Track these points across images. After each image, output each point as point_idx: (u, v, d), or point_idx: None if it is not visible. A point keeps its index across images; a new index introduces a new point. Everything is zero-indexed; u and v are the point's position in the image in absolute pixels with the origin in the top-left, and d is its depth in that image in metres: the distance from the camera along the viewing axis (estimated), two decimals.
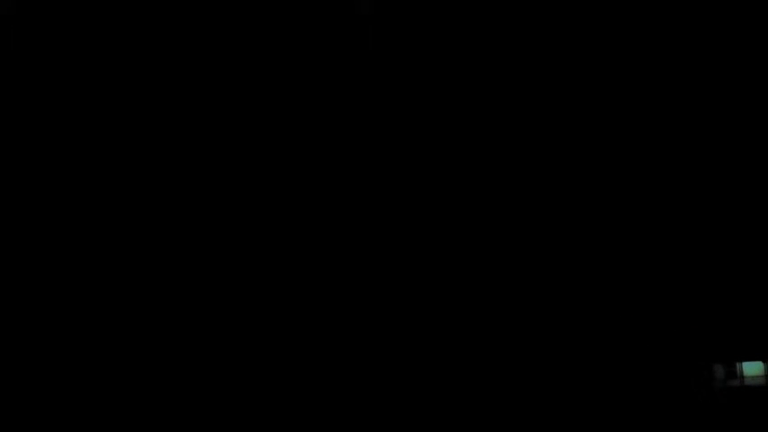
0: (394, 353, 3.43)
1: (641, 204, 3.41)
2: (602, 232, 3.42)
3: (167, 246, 3.55)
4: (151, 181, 3.64)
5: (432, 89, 3.61)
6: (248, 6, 3.68)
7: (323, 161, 3.62)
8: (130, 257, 3.54)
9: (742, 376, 3.38)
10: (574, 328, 3.38)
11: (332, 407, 3.47)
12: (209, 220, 3.57)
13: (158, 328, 3.50)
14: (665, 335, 3.35)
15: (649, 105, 3.49)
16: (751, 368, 3.39)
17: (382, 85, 3.64)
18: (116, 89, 3.72)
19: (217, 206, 3.61)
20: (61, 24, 3.74)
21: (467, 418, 3.39)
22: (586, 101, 3.53)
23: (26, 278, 3.56)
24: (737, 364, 3.40)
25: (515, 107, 3.53)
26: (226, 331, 3.50)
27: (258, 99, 3.68)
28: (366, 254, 3.53)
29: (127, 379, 3.48)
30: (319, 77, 3.65)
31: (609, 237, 3.42)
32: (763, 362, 3.33)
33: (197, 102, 3.66)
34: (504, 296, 3.48)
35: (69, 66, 3.72)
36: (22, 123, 3.73)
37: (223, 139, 3.67)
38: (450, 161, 3.57)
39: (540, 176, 3.52)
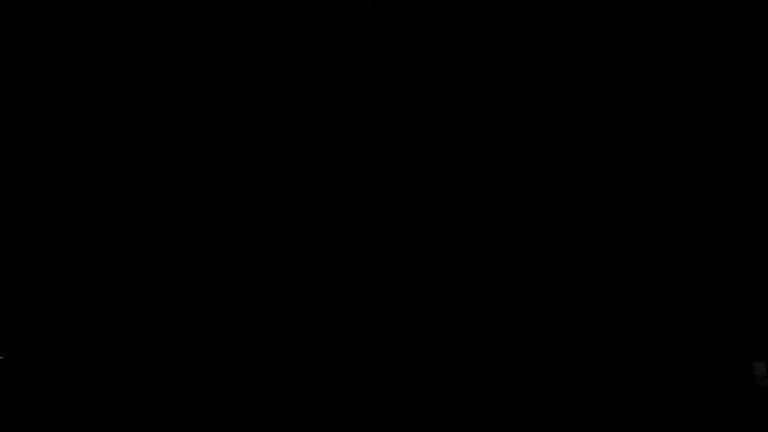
0: (393, 353, 3.42)
1: (674, 199, 3.38)
2: (637, 226, 3.39)
3: (167, 245, 3.54)
4: (151, 181, 3.62)
5: (432, 90, 3.61)
6: (248, 7, 3.68)
7: (323, 162, 3.61)
8: (130, 257, 3.53)
9: None
10: (609, 325, 3.35)
11: (332, 407, 3.45)
12: (208, 220, 3.56)
13: (158, 327, 3.49)
14: (704, 331, 3.30)
15: (651, 105, 3.47)
16: None
17: (382, 87, 3.64)
18: (116, 89, 3.70)
19: (217, 206, 3.59)
20: (61, 25, 3.71)
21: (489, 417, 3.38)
22: (587, 101, 3.53)
23: (25, 278, 3.56)
24: None
25: (517, 108, 3.53)
26: (225, 331, 3.49)
27: (258, 100, 3.67)
28: (366, 254, 3.52)
29: (127, 379, 3.47)
30: (319, 79, 3.64)
31: (644, 230, 3.39)
32: None
33: (197, 102, 3.65)
34: (524, 293, 3.46)
35: (69, 66, 3.70)
36: (22, 123, 3.71)
37: (222, 140, 3.66)
38: (451, 161, 3.57)
39: (545, 176, 3.51)
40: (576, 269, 3.41)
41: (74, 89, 3.70)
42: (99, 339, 3.51)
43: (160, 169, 3.63)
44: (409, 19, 3.65)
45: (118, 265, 3.56)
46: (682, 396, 3.21)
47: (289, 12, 3.63)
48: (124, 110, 3.67)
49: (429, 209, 3.51)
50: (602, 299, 3.34)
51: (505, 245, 3.44)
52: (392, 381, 3.38)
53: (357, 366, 3.40)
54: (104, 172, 3.65)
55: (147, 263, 3.53)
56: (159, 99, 3.70)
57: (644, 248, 3.34)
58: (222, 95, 3.70)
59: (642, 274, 3.35)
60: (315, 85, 3.63)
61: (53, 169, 3.67)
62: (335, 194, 3.56)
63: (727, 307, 3.27)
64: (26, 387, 3.50)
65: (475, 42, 3.59)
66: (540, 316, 3.37)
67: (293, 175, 3.58)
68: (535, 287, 3.42)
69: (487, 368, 3.36)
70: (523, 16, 3.56)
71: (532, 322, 3.33)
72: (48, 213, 3.65)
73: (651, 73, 3.44)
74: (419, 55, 3.64)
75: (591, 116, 3.50)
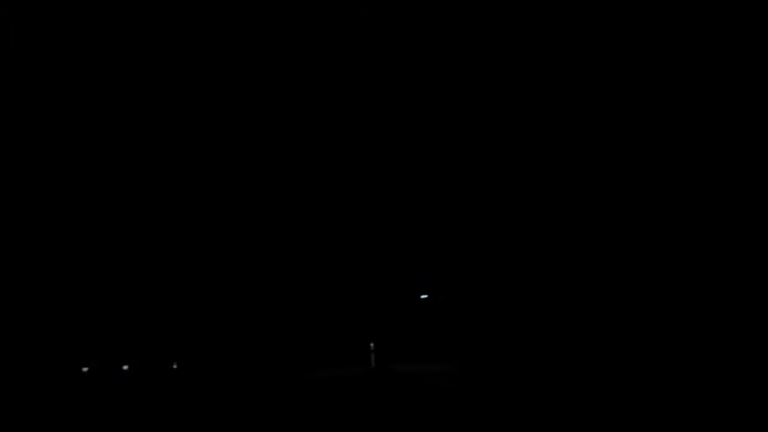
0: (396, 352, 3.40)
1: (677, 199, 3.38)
2: (703, 231, 3.36)
3: (166, 245, 3.54)
4: (151, 181, 3.63)
5: (431, 88, 3.60)
6: (248, 6, 3.68)
7: (323, 159, 3.62)
8: (129, 257, 3.53)
9: None
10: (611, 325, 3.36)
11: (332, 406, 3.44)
12: (208, 220, 3.57)
13: (158, 327, 3.48)
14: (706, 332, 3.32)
15: (648, 106, 3.48)
16: None
17: (382, 84, 3.63)
18: (116, 89, 3.71)
19: (216, 206, 3.60)
20: (61, 24, 3.74)
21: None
22: (585, 101, 3.52)
23: (25, 277, 3.55)
24: None
25: (514, 107, 3.53)
26: (224, 331, 3.48)
27: (258, 97, 3.67)
28: (365, 252, 3.53)
29: (127, 378, 3.46)
30: (319, 76, 3.64)
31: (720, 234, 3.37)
32: None
33: (197, 101, 3.66)
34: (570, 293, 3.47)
35: (69, 66, 3.72)
36: (22, 123, 3.73)
37: (222, 139, 3.67)
38: (449, 160, 3.57)
39: (542, 175, 3.52)
40: (578, 270, 3.39)
41: (74, 89, 3.70)
42: (98, 339, 3.51)
43: (159, 169, 3.63)
44: (408, 17, 3.64)
45: (116, 265, 3.56)
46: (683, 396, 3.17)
47: (288, 8, 3.61)
48: (124, 110, 3.67)
49: (427, 205, 3.51)
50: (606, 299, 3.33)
51: (507, 244, 3.42)
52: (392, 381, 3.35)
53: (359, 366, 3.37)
54: (103, 171, 3.65)
55: (146, 262, 3.53)
56: (159, 99, 3.69)
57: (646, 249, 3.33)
58: (219, 91, 3.69)
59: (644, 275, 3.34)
60: (314, 82, 3.62)
61: (53, 169, 3.68)
62: (334, 190, 3.56)
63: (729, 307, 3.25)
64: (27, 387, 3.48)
65: (474, 41, 3.58)
66: (543, 316, 3.35)
67: (291, 171, 3.58)
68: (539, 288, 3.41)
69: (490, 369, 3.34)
70: (523, 16, 3.57)
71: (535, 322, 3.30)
72: (47, 213, 3.65)
73: (651, 73, 3.44)
74: (418, 52, 3.63)
75: (590, 118, 3.50)
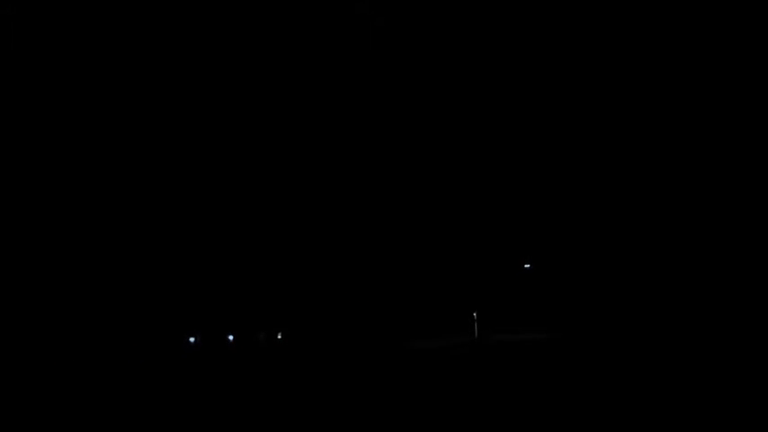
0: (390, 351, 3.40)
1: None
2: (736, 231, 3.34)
3: (166, 245, 3.61)
4: (150, 180, 3.71)
5: (430, 87, 3.65)
6: (247, 5, 3.76)
7: (322, 157, 3.67)
8: (130, 256, 3.61)
9: None
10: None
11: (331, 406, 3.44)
12: (208, 220, 3.63)
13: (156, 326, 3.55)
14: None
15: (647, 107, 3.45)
16: None
17: (381, 82, 3.70)
18: (116, 89, 3.80)
19: (216, 205, 3.67)
20: (61, 24, 3.83)
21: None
22: (584, 101, 3.53)
23: (25, 277, 3.66)
24: None
25: (514, 105, 3.55)
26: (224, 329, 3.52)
27: (257, 96, 3.74)
28: (366, 252, 3.56)
29: (126, 378, 3.53)
30: (318, 74, 3.71)
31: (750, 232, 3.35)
32: None
33: (196, 101, 3.74)
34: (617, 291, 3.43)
35: (69, 66, 3.81)
36: (22, 123, 3.84)
37: (221, 138, 3.74)
38: (448, 158, 3.60)
39: (542, 174, 3.52)
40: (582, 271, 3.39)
41: (74, 88, 3.80)
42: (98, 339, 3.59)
43: (159, 168, 3.73)
44: (406, 15, 3.70)
45: (116, 264, 3.64)
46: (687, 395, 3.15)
47: (287, 7, 3.68)
48: (124, 109, 3.77)
49: (426, 203, 3.55)
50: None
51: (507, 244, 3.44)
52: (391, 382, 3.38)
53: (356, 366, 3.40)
54: (104, 170, 3.75)
55: (146, 262, 3.61)
56: (159, 98, 3.79)
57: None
58: (218, 90, 3.79)
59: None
60: (312, 80, 3.69)
61: (53, 168, 3.79)
62: (333, 189, 3.62)
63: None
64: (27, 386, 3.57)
65: (473, 40, 3.62)
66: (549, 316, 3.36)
67: (290, 170, 3.64)
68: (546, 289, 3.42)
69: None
70: (523, 15, 3.59)
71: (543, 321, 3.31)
72: (47, 211, 3.76)
73: (650, 75, 3.42)
74: (416, 51, 3.68)
75: (589, 118, 3.51)
